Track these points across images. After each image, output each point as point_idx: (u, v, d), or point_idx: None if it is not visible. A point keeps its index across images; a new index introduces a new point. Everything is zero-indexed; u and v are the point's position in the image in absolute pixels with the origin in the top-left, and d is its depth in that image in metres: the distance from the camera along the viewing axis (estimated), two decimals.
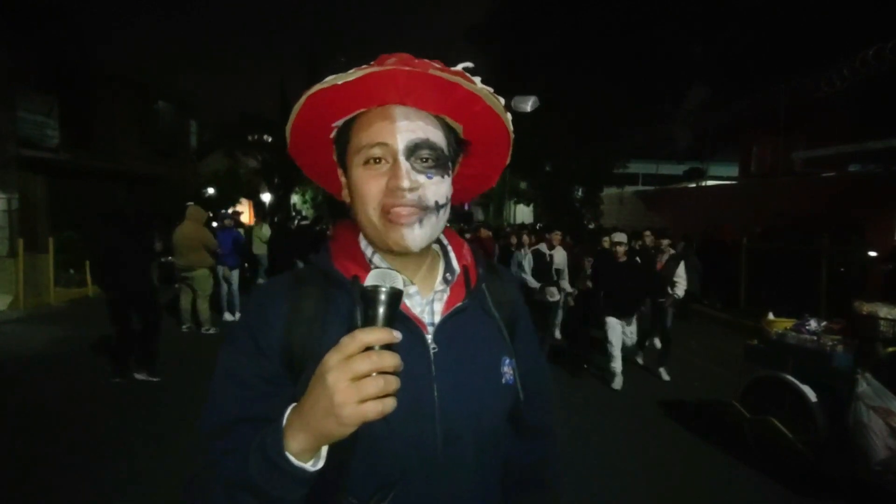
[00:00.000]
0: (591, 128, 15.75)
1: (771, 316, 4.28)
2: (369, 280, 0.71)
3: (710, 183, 16.87)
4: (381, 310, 0.69)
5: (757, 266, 9.59)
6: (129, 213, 6.85)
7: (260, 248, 12.37)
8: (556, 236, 6.93)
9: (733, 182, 17.65)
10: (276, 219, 17.51)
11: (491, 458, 0.98)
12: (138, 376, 5.39)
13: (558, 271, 6.81)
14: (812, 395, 3.46)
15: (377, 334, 0.67)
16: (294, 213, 25.80)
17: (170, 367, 5.60)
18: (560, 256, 6.86)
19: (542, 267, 6.64)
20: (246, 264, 12.14)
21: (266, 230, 12.60)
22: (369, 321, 0.69)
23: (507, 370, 0.98)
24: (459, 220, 19.01)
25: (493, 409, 0.96)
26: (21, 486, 3.39)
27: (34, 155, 12.45)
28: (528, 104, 10.22)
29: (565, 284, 6.87)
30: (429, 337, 0.92)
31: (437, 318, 0.94)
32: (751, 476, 3.67)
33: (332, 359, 0.67)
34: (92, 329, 6.93)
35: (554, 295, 6.62)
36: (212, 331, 7.53)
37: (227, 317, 8.36)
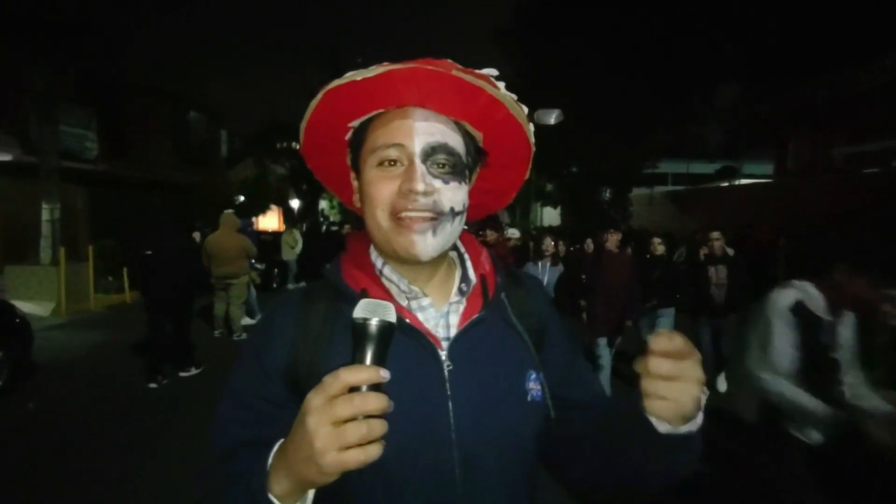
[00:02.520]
0: (620, 127, 15.55)
1: None
2: (357, 311, 0.65)
3: (743, 182, 16.47)
4: (370, 346, 0.64)
5: (797, 268, 9.29)
6: (172, 219, 7.11)
7: (289, 255, 12.55)
8: (614, 237, 5.07)
9: (769, 180, 17.19)
10: (304, 225, 17.78)
11: (518, 484, 0.90)
12: (183, 374, 5.67)
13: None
14: None
15: (363, 373, 0.62)
16: (322, 219, 26.17)
17: (204, 372, 5.75)
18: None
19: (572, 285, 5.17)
20: (275, 270, 12.32)
21: (296, 236, 12.79)
22: (357, 358, 0.64)
23: (534, 385, 0.91)
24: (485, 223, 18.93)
25: (518, 430, 0.88)
26: (61, 485, 3.49)
27: (74, 166, 12.93)
28: (553, 117, 10.12)
29: None
30: (443, 353, 0.85)
31: (453, 332, 0.88)
32: None
33: (315, 400, 0.62)
34: (130, 334, 7.14)
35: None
36: (243, 336, 7.67)
37: (247, 321, 8.52)
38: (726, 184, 16.85)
